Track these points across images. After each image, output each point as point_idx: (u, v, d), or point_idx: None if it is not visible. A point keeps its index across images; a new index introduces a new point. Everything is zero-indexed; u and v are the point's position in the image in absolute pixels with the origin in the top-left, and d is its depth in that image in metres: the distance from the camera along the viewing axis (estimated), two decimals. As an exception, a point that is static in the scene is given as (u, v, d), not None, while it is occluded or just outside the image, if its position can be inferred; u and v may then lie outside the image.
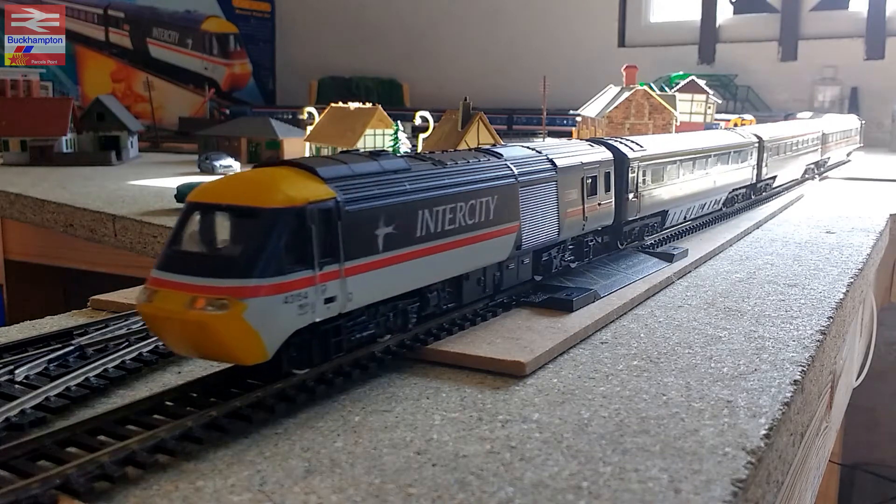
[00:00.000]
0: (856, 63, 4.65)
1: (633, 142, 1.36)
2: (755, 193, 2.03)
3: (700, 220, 1.69)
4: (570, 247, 1.17)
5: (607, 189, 1.24)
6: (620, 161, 1.28)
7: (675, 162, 1.47)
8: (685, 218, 1.60)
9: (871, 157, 3.73)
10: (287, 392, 0.73)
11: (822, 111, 4.20)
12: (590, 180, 1.18)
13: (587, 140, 1.31)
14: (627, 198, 1.30)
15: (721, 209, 1.80)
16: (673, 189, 1.47)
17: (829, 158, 2.95)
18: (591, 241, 1.23)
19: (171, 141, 4.49)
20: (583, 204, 1.16)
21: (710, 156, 1.64)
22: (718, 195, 1.73)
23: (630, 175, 1.30)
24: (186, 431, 0.64)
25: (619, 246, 1.32)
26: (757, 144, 1.95)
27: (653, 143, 1.42)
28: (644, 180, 1.35)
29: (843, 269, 1.37)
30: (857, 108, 4.51)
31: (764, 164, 2.02)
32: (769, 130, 2.13)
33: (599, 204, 1.21)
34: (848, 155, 3.48)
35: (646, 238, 1.42)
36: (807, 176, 2.64)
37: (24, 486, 0.55)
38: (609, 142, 1.31)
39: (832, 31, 4.76)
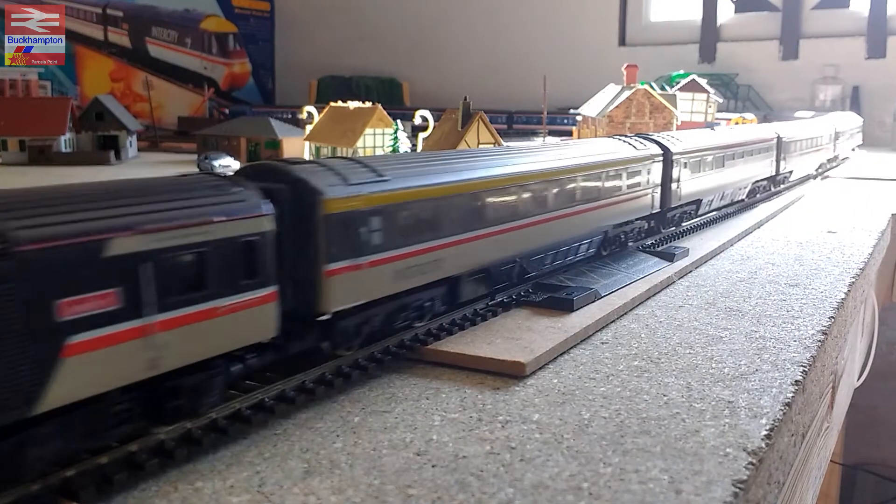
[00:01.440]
0: (857, 62, 4.66)
1: (364, 166, 0.80)
2: (665, 225, 1.53)
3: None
4: (122, 406, 0.60)
5: (252, 274, 0.66)
6: (296, 209, 0.71)
7: (462, 200, 0.91)
8: (511, 277, 1.05)
9: (873, 156, 3.73)
10: (286, 393, 0.73)
11: (823, 110, 4.20)
12: (170, 270, 0.60)
13: (238, 173, 0.74)
14: (325, 274, 0.72)
15: (590, 252, 1.26)
16: (461, 244, 0.91)
17: (790, 172, 2.37)
18: (223, 370, 0.67)
19: (171, 141, 4.50)
20: (139, 320, 0.58)
21: (552, 182, 1.08)
22: (585, 237, 1.21)
23: (324, 235, 0.71)
24: (186, 433, 0.64)
25: (339, 352, 0.79)
26: (661, 158, 1.44)
27: (413, 168, 0.87)
28: (374, 239, 0.78)
29: (845, 268, 1.36)
30: (858, 107, 4.52)
31: (676, 185, 1.50)
32: (685, 139, 1.59)
33: (206, 313, 0.63)
34: (819, 170, 2.80)
35: (400, 337, 0.87)
36: (758, 197, 2.08)
37: (24, 489, 0.54)
38: (289, 170, 0.73)
39: (833, 29, 4.76)
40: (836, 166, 3.08)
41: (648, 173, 1.39)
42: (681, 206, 1.56)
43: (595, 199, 1.20)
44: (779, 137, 2.18)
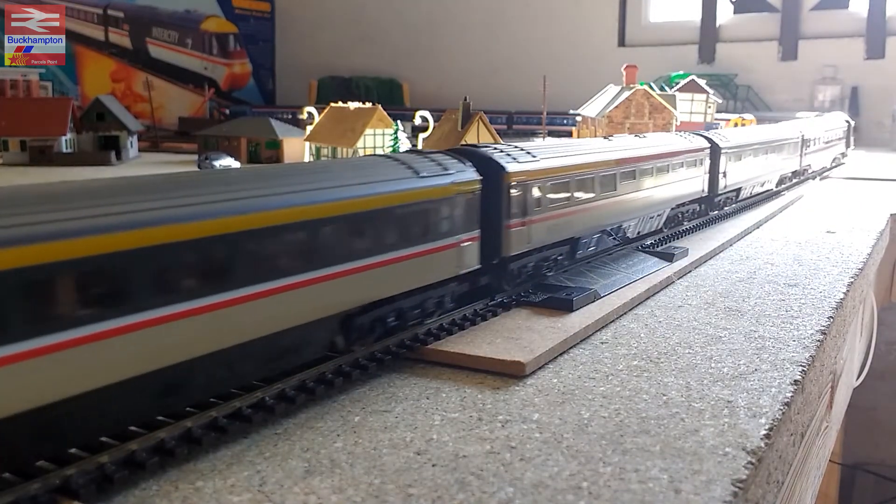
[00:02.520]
0: (856, 62, 4.66)
1: None
2: (507, 282, 1.05)
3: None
4: None
5: None
6: None
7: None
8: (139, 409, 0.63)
9: (872, 156, 3.73)
10: (287, 392, 0.73)
11: (822, 111, 4.21)
12: None
13: None
14: None
15: (308, 357, 0.78)
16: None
17: (736, 192, 1.88)
18: None
19: (171, 141, 4.50)
20: None
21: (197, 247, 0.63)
22: (285, 335, 0.72)
23: None
24: (186, 432, 0.64)
25: None
26: (475, 187, 0.94)
27: None
28: None
29: (844, 268, 1.37)
30: (857, 108, 4.53)
31: (519, 223, 1.02)
32: (539, 152, 1.09)
33: None
34: (780, 186, 2.28)
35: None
36: (686, 226, 1.62)
37: (24, 488, 0.54)
38: None
39: (832, 30, 4.77)
40: (802, 181, 2.55)
41: (451, 210, 0.90)
42: (529, 253, 1.06)
43: (308, 267, 0.72)
44: (714, 146, 1.69)
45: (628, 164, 1.31)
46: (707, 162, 1.67)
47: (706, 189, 1.69)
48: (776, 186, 2.25)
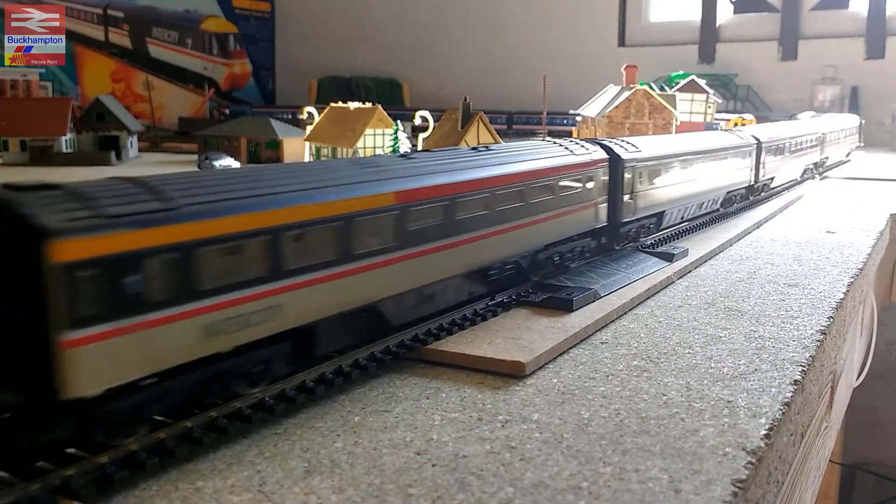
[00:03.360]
0: (856, 62, 4.66)
1: None
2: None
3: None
4: None
5: None
6: None
7: None
8: None
9: (872, 156, 3.73)
10: (287, 392, 0.73)
11: (822, 111, 4.21)
12: None
13: None
14: None
15: None
16: None
17: (655, 217, 1.47)
18: None
19: (171, 141, 4.50)
20: None
21: None
22: None
23: None
24: (186, 432, 0.64)
25: None
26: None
27: None
28: None
29: (844, 268, 1.37)
30: (857, 108, 4.53)
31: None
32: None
33: None
34: (724, 206, 1.81)
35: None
36: (588, 256, 1.26)
37: (24, 488, 0.54)
38: None
39: (832, 30, 4.77)
40: (766, 197, 2.11)
41: None
42: (167, 377, 0.62)
43: None
44: (615, 159, 1.29)
45: (428, 198, 0.84)
46: (604, 180, 1.26)
47: (604, 217, 1.27)
48: (722, 206, 1.82)
